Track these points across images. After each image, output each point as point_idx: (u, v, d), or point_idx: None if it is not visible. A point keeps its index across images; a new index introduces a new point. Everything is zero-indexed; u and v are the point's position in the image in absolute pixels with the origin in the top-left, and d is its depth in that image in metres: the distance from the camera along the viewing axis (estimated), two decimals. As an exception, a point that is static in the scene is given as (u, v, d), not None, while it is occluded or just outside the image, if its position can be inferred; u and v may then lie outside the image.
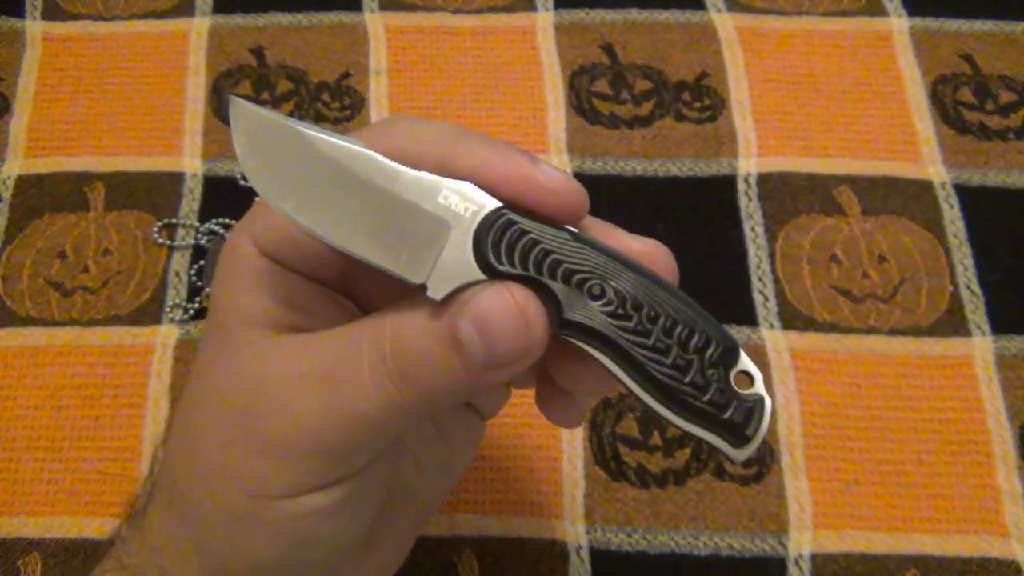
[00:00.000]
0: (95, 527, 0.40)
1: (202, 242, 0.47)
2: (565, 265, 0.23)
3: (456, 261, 0.23)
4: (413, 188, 0.24)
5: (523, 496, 0.41)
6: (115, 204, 0.48)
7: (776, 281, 0.46)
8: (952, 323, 0.45)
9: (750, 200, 0.48)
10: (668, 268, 0.25)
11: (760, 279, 0.46)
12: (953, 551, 0.41)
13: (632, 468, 0.42)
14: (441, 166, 0.24)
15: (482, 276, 0.23)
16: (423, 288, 0.24)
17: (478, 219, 0.23)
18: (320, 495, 0.25)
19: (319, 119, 0.50)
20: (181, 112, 0.50)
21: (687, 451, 0.42)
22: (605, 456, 0.42)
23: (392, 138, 0.25)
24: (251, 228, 0.26)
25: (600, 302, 0.23)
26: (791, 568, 0.40)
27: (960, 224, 0.48)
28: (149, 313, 0.45)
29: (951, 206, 0.48)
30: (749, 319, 0.45)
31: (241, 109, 0.24)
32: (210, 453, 0.25)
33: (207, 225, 0.47)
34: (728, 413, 0.23)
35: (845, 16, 0.54)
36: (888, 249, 0.47)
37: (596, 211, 0.49)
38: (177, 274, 0.46)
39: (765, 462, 0.42)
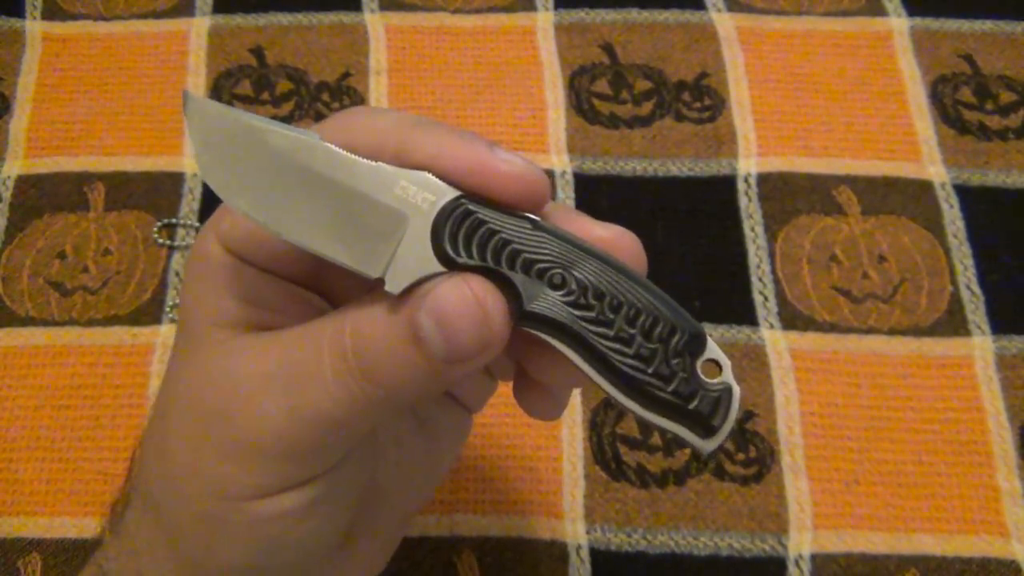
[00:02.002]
0: (95, 527, 0.40)
1: (202, 242, 0.47)
2: (524, 255, 0.23)
3: (414, 254, 0.23)
4: (369, 180, 0.23)
5: (523, 496, 0.41)
6: (115, 204, 0.48)
7: (776, 281, 0.46)
8: (952, 323, 0.45)
9: (750, 200, 0.48)
10: (634, 255, 0.24)
11: (760, 279, 0.46)
12: (953, 551, 0.40)
13: (632, 468, 0.42)
14: (399, 156, 0.23)
15: (441, 268, 0.23)
16: (381, 282, 0.23)
17: (436, 210, 0.23)
18: (289, 496, 0.24)
19: (319, 119, 0.50)
20: (181, 112, 0.50)
21: (687, 451, 0.42)
22: (605, 456, 0.42)
23: (349, 130, 0.24)
24: (218, 226, 0.26)
25: (561, 292, 0.23)
26: (791, 568, 0.40)
27: (960, 224, 0.48)
28: (149, 313, 0.45)
29: (951, 206, 0.48)
30: (749, 319, 0.45)
31: (195, 104, 0.24)
32: (180, 455, 0.25)
33: (207, 225, 0.47)
34: (694, 404, 0.23)
35: (845, 16, 0.54)
36: (888, 249, 0.47)
37: (596, 211, 0.49)
38: (177, 274, 0.46)
39: (765, 462, 0.42)
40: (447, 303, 0.22)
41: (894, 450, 0.42)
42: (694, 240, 0.47)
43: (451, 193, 0.23)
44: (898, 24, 0.53)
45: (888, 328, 0.45)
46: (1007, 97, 0.51)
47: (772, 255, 0.47)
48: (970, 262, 0.47)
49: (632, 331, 0.23)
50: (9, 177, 0.48)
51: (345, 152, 0.23)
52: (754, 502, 0.41)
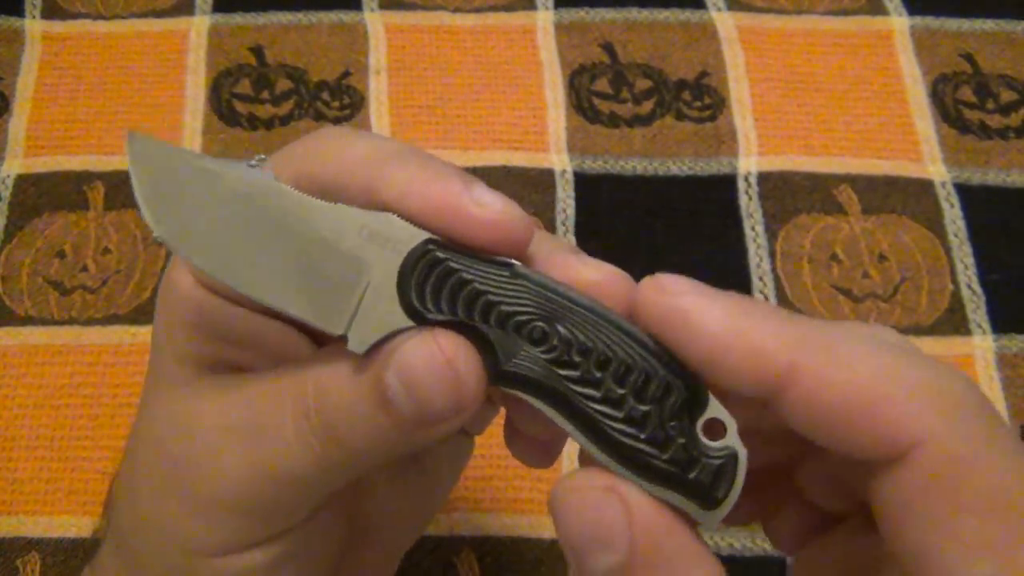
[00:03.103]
0: (94, 526, 0.40)
1: (201, 241, 0.47)
2: (501, 307, 0.20)
3: (379, 307, 0.21)
4: (329, 224, 0.21)
5: (523, 495, 0.41)
6: (114, 203, 0.48)
7: (776, 280, 0.46)
8: (953, 322, 0.45)
9: (750, 199, 0.48)
10: (628, 299, 0.21)
11: (760, 278, 0.46)
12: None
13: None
14: (366, 193, 0.21)
15: (409, 323, 0.21)
16: (344, 340, 0.21)
17: (401, 257, 0.21)
18: (258, 552, 0.23)
19: (319, 118, 0.50)
20: (181, 111, 0.50)
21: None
22: (605, 455, 0.42)
23: (317, 157, 0.22)
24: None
25: (541, 348, 0.20)
26: (791, 568, 0.40)
27: (961, 223, 0.48)
28: (148, 312, 0.45)
29: (952, 205, 0.48)
30: (749, 318, 0.45)
31: (139, 145, 0.22)
32: (147, 504, 0.24)
33: (206, 224, 0.47)
34: (694, 473, 0.20)
35: (845, 15, 0.54)
36: (888, 248, 0.47)
37: (596, 211, 0.49)
38: (176, 273, 0.46)
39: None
40: (414, 363, 0.20)
41: (895, 449, 0.42)
42: (694, 240, 0.47)
43: (418, 237, 0.21)
44: (899, 23, 0.53)
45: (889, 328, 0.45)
46: (1008, 96, 0.51)
47: (772, 254, 0.47)
48: (971, 261, 0.47)
49: (622, 391, 0.20)
50: (8, 176, 0.48)
51: (301, 194, 0.21)
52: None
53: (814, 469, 0.23)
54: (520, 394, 0.21)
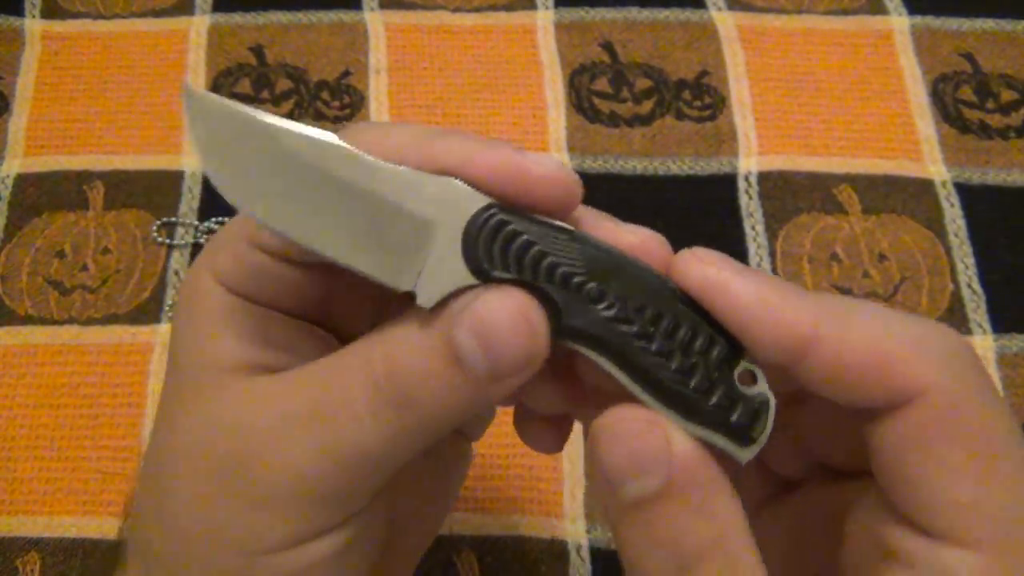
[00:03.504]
0: (94, 527, 0.40)
1: (201, 241, 0.47)
2: (563, 267, 0.22)
3: (444, 265, 0.22)
4: (394, 185, 0.22)
5: (523, 494, 0.41)
6: (114, 203, 0.48)
7: (777, 280, 0.46)
8: (953, 322, 0.45)
9: (750, 199, 0.48)
10: (665, 260, 0.23)
11: (760, 278, 0.46)
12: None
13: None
14: (425, 163, 0.22)
15: (474, 281, 0.22)
16: (410, 296, 0.22)
17: (466, 218, 0.22)
18: (322, 543, 0.23)
19: (319, 118, 0.50)
20: (181, 111, 0.50)
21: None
22: (605, 455, 0.42)
23: (364, 144, 0.22)
24: (213, 263, 0.24)
25: (600, 305, 0.22)
26: (792, 567, 0.40)
27: (961, 223, 0.47)
28: (148, 312, 0.45)
29: (952, 205, 0.48)
30: (749, 318, 0.45)
31: (198, 102, 0.22)
32: (190, 513, 0.23)
33: (206, 224, 0.47)
34: (735, 416, 0.22)
35: (846, 15, 0.54)
36: (889, 248, 0.47)
37: (597, 209, 0.49)
38: (176, 273, 0.46)
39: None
40: (490, 317, 0.21)
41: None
42: (694, 239, 0.47)
43: (482, 200, 0.22)
44: (899, 22, 0.53)
45: (889, 327, 0.45)
46: (1008, 96, 0.51)
47: (773, 254, 0.47)
48: (971, 261, 0.47)
49: (672, 344, 0.22)
50: (8, 176, 0.48)
51: (364, 155, 0.22)
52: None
53: (792, 431, 0.26)
54: (581, 348, 0.22)
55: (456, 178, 0.22)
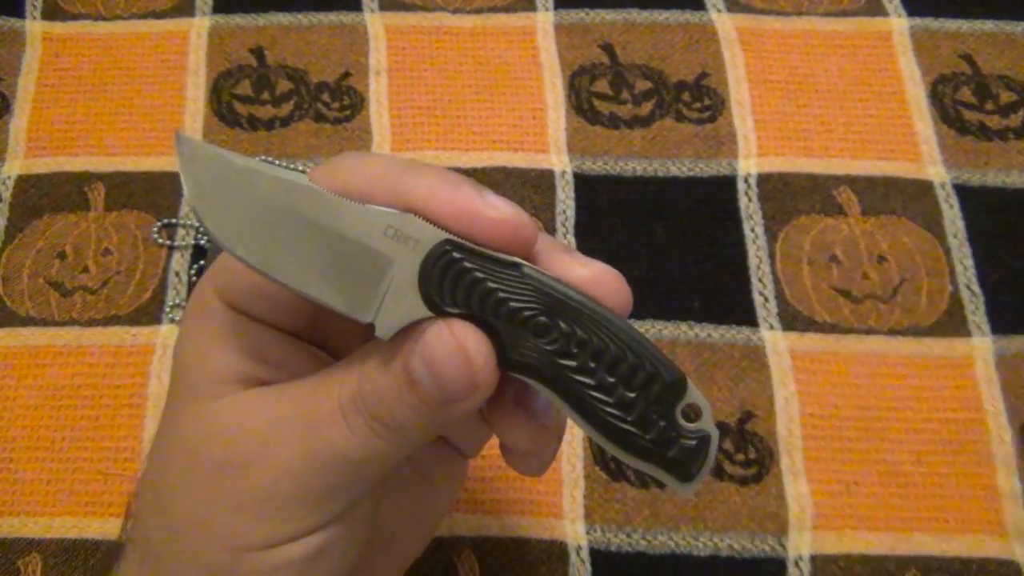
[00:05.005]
0: (95, 527, 0.40)
1: (202, 242, 0.47)
2: (510, 303, 0.23)
3: (402, 298, 0.23)
4: (357, 223, 0.23)
5: (523, 496, 0.41)
6: (115, 204, 0.48)
7: (776, 282, 0.46)
8: (952, 323, 0.45)
9: (750, 200, 0.48)
10: (617, 293, 0.24)
11: (760, 280, 0.46)
12: (953, 551, 0.41)
13: (632, 468, 0.42)
14: (391, 200, 0.24)
15: (428, 313, 0.23)
16: (371, 327, 0.24)
17: (422, 255, 0.23)
18: (298, 545, 0.25)
19: (319, 119, 0.50)
20: (181, 112, 0.50)
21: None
22: (605, 456, 0.42)
23: (341, 175, 0.24)
24: (215, 280, 0.26)
25: (544, 340, 0.23)
26: (791, 569, 0.40)
27: (960, 224, 0.48)
28: (149, 313, 0.45)
29: (951, 206, 0.48)
30: (749, 320, 0.45)
31: (188, 147, 0.24)
32: (185, 510, 0.25)
33: (207, 225, 0.47)
34: (672, 451, 0.23)
35: (845, 16, 0.54)
36: (888, 249, 0.47)
37: (596, 211, 0.49)
38: (177, 274, 0.46)
39: (764, 463, 0.42)
40: (432, 349, 0.23)
41: (894, 450, 0.42)
42: (694, 240, 0.47)
43: (437, 237, 0.23)
44: (898, 24, 0.53)
45: (888, 328, 0.45)
46: (1007, 97, 0.51)
47: (772, 255, 0.47)
48: (970, 262, 0.47)
49: (613, 379, 0.23)
50: (9, 177, 0.48)
51: (331, 194, 0.23)
52: (754, 502, 0.41)
53: None
54: (525, 379, 0.24)
55: (417, 215, 0.23)
